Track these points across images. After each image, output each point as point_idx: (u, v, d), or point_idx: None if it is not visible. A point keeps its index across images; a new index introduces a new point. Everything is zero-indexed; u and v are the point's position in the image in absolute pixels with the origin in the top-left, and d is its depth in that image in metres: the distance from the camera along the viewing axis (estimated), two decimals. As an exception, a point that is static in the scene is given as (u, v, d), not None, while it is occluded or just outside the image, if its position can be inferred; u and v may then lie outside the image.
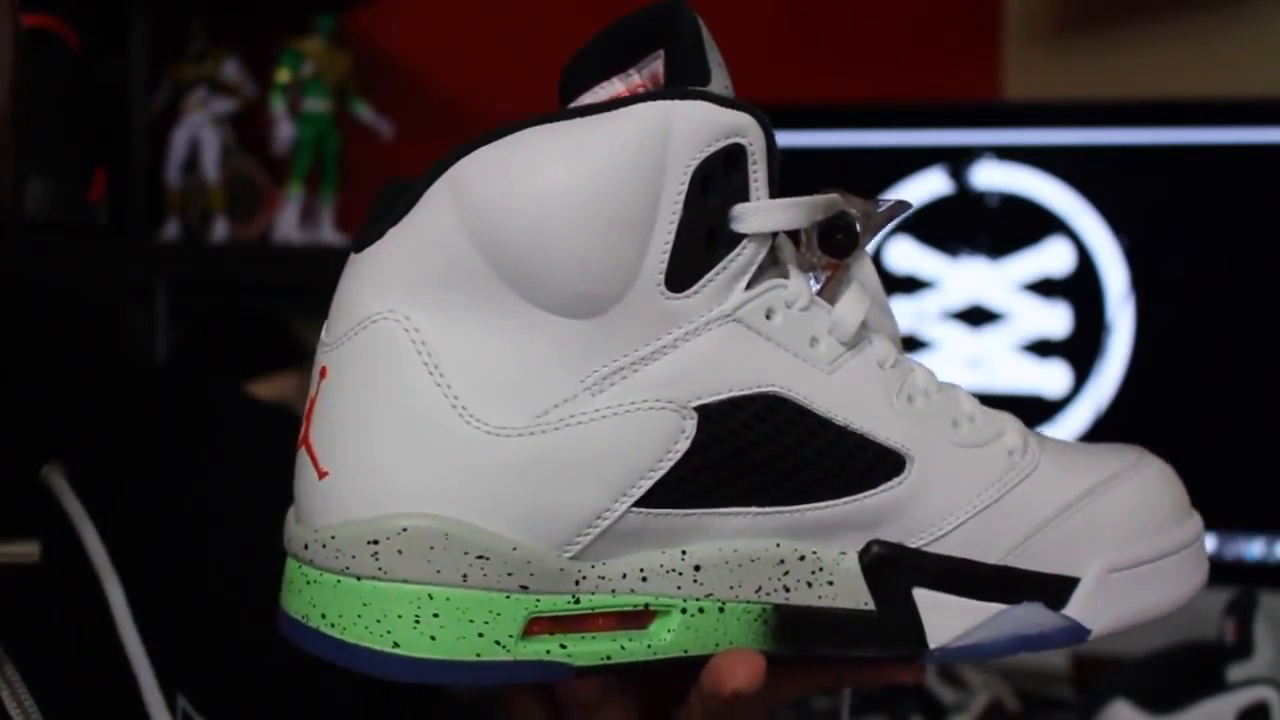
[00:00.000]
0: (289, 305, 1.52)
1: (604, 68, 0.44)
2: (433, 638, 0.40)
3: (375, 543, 0.40)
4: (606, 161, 0.40)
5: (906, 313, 1.46)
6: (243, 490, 0.62)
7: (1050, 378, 1.42)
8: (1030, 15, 1.88)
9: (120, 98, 1.30)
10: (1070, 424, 1.41)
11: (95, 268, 1.28)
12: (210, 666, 0.57)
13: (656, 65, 0.43)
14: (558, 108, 0.44)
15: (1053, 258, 1.41)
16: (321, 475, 0.41)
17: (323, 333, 0.42)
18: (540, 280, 0.40)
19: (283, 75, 1.37)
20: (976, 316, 1.44)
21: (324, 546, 0.41)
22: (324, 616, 0.41)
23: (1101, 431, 1.40)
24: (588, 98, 0.44)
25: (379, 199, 0.42)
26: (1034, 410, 1.42)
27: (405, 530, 0.40)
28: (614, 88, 0.43)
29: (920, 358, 1.52)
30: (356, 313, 0.41)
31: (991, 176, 1.43)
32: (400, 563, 0.40)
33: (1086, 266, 1.40)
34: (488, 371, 0.40)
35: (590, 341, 0.40)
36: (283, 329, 1.48)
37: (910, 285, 1.44)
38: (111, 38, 1.31)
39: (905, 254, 1.43)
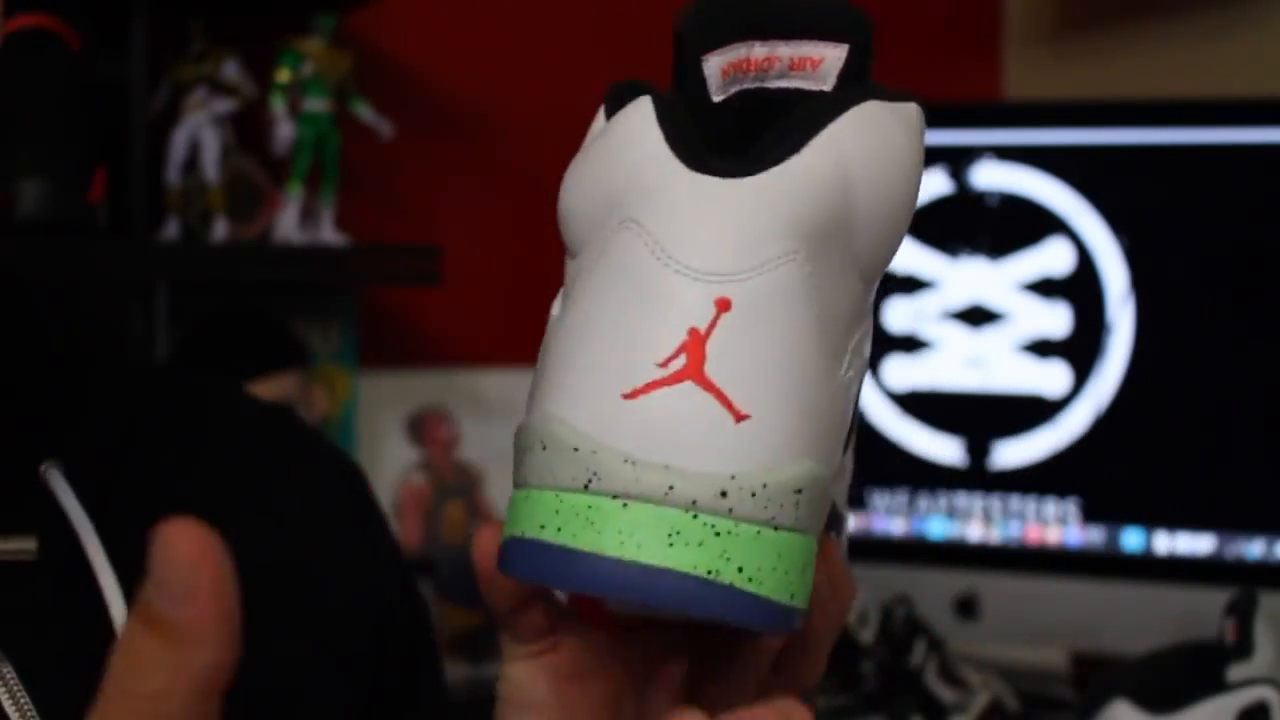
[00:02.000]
0: (289, 305, 1.52)
1: (739, 26, 0.42)
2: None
3: (799, 491, 0.38)
4: (920, 148, 0.42)
5: (906, 313, 1.46)
6: (243, 490, 0.62)
7: (1050, 378, 1.42)
8: (1030, 15, 1.88)
9: (120, 98, 1.30)
10: (1070, 424, 1.41)
11: (95, 268, 1.28)
12: None
13: (809, 49, 0.42)
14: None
15: (1053, 258, 1.42)
16: (740, 418, 0.37)
17: (695, 255, 0.38)
18: (874, 248, 0.40)
19: (283, 75, 1.37)
20: (976, 316, 1.44)
21: (753, 495, 0.37)
22: (740, 570, 0.37)
23: (1101, 431, 1.40)
24: (719, 55, 0.42)
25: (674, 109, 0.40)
26: (1034, 410, 1.42)
27: (818, 478, 0.39)
28: (754, 51, 0.42)
29: (920, 358, 1.52)
30: (765, 246, 0.38)
31: (991, 176, 1.43)
32: (809, 514, 0.39)
33: (1086, 266, 1.40)
34: (842, 328, 0.40)
35: (859, 314, 0.41)
36: (283, 329, 1.48)
37: (910, 285, 1.44)
38: (111, 38, 1.31)
39: (905, 254, 1.43)
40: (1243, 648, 1.10)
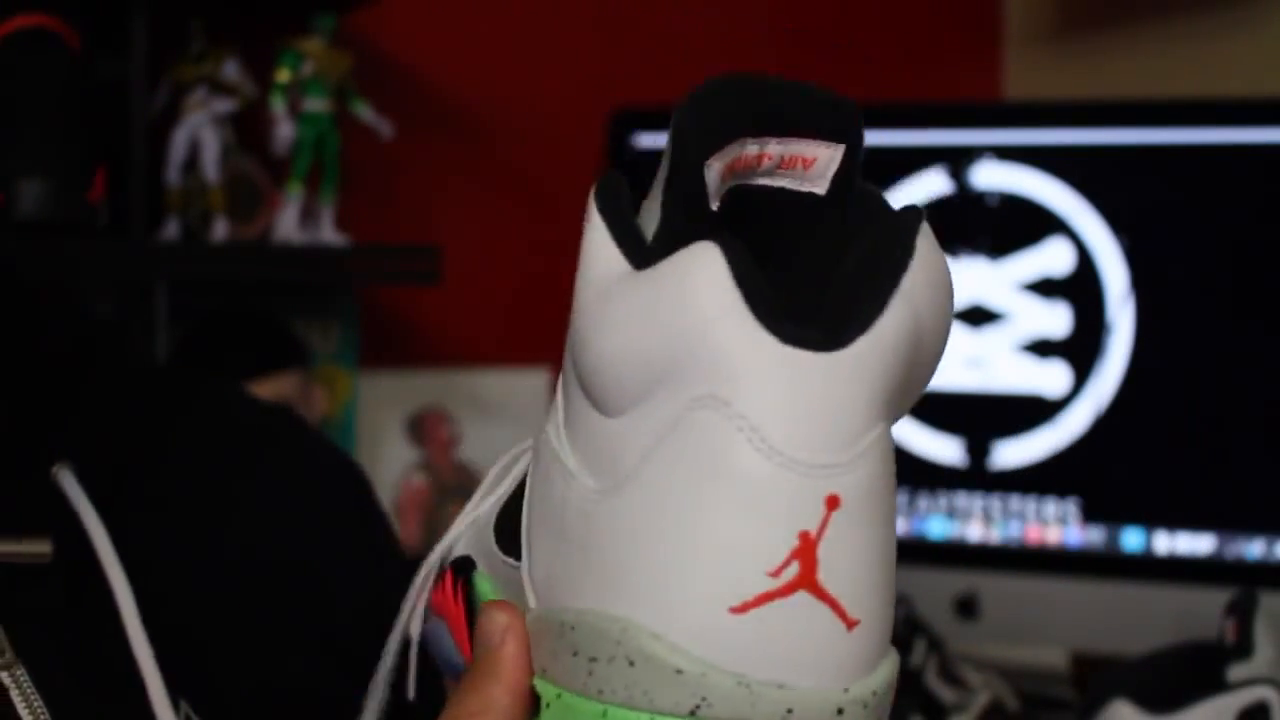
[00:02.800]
0: (289, 305, 1.52)
1: (737, 124, 0.38)
2: None
3: (876, 693, 0.36)
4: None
5: (906, 313, 1.46)
6: (244, 490, 0.62)
7: (1050, 378, 1.42)
8: (1030, 15, 1.88)
9: (120, 98, 1.30)
10: (1070, 424, 1.41)
11: (95, 268, 1.28)
12: (214, 671, 0.58)
13: (801, 148, 0.38)
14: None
15: (1053, 258, 1.41)
16: (851, 625, 0.35)
17: (801, 446, 0.34)
18: (919, 393, 0.38)
19: (283, 75, 1.37)
20: (976, 316, 1.44)
21: (864, 708, 0.35)
22: None
23: (1101, 431, 1.40)
24: (718, 159, 0.38)
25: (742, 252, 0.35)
26: (1034, 410, 1.42)
27: (898, 666, 0.37)
28: (747, 149, 0.38)
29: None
30: (864, 429, 0.35)
31: (991, 176, 1.43)
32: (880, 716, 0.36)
33: (1086, 266, 1.40)
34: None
35: None
36: (283, 329, 1.48)
37: (910, 285, 1.44)
38: (111, 38, 1.31)
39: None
40: (1243, 648, 1.10)
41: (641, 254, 0.36)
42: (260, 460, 0.64)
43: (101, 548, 0.55)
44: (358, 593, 0.63)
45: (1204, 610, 1.24)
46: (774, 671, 0.34)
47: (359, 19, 1.53)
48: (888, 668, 0.36)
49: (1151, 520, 1.39)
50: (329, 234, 1.40)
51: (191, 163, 1.36)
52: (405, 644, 0.50)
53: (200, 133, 1.35)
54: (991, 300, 1.43)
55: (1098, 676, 1.20)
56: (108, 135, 1.30)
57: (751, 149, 0.38)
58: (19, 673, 0.52)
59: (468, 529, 0.48)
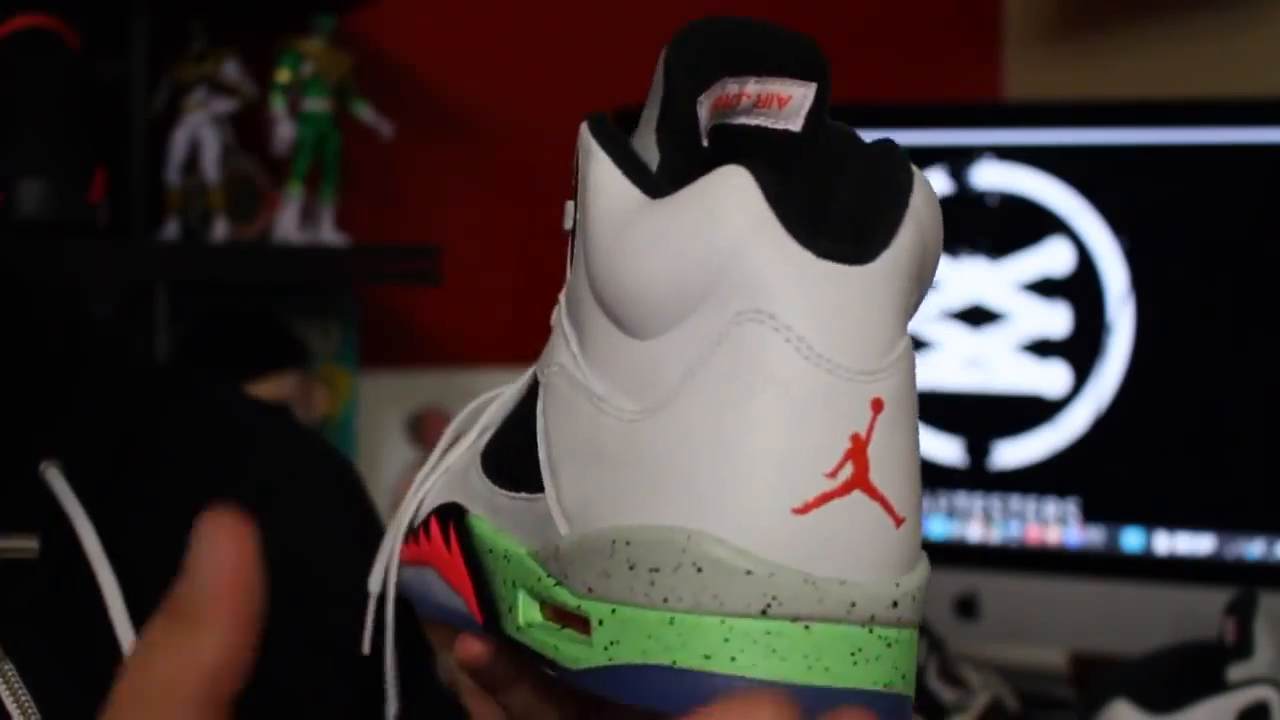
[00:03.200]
0: (289, 305, 1.52)
1: (720, 63, 0.40)
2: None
3: (919, 588, 0.37)
4: None
5: (906, 313, 1.46)
6: (238, 491, 0.62)
7: (1050, 378, 1.42)
8: (1030, 15, 1.88)
9: (120, 98, 1.30)
10: (1070, 424, 1.41)
11: (95, 268, 1.28)
12: None
13: (777, 87, 0.40)
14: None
15: (1053, 258, 1.41)
16: (899, 522, 0.36)
17: (847, 354, 0.36)
18: (916, 312, 0.40)
19: (283, 75, 1.37)
20: (976, 316, 1.44)
21: (913, 600, 0.37)
22: (904, 678, 0.37)
23: (1101, 431, 1.40)
24: (706, 96, 0.41)
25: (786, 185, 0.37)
26: (1034, 410, 1.42)
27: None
28: (728, 88, 0.40)
29: (921, 357, 1.52)
30: (897, 337, 0.37)
31: (991, 176, 1.43)
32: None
33: (1086, 266, 1.40)
34: None
35: None
36: (283, 329, 1.48)
37: (910, 285, 1.44)
38: (111, 38, 1.31)
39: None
40: (1243, 648, 1.10)
41: (653, 184, 0.38)
42: (252, 459, 0.64)
43: (89, 545, 0.55)
44: (350, 592, 0.63)
45: (1204, 610, 1.24)
46: (835, 568, 0.35)
47: (359, 19, 1.53)
48: (925, 565, 0.37)
49: (1151, 520, 1.39)
50: (329, 234, 1.40)
51: (191, 163, 1.36)
52: (381, 603, 0.51)
53: (200, 133, 1.35)
54: (991, 300, 1.43)
55: (1098, 676, 1.20)
56: (108, 135, 1.30)
57: (732, 88, 0.40)
58: (7, 668, 0.52)
59: (434, 482, 0.50)
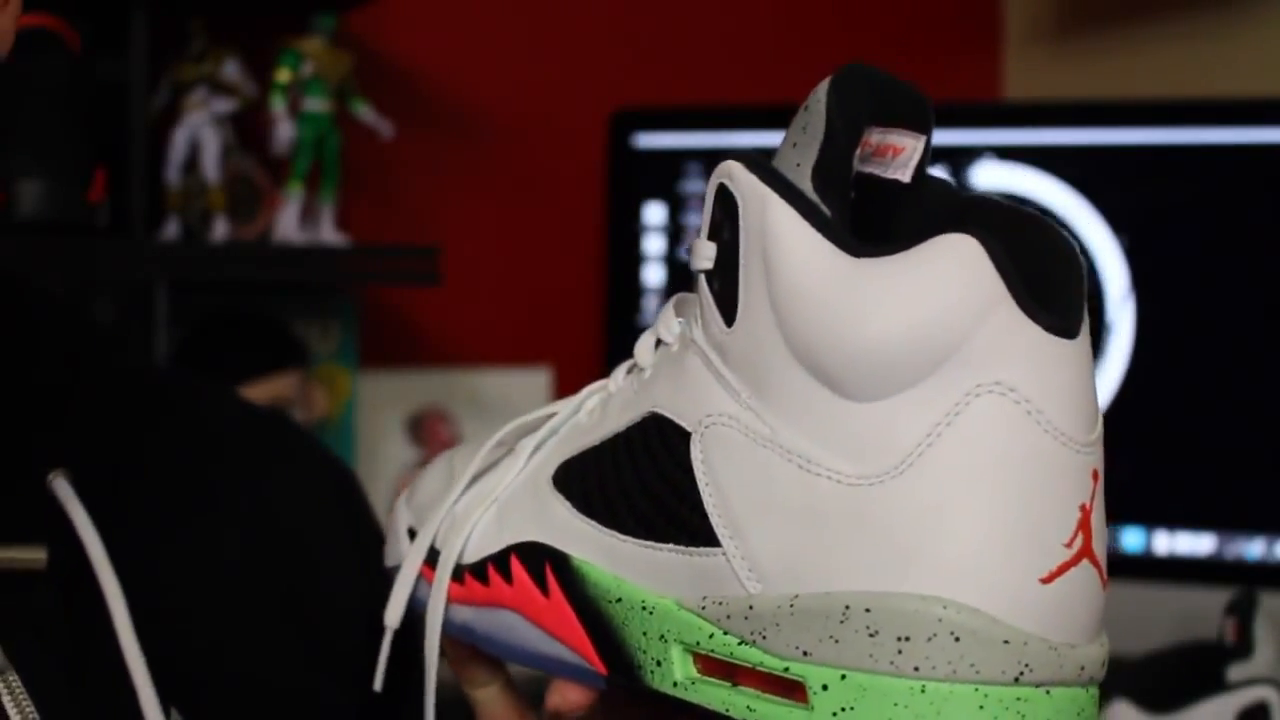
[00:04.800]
0: (289, 305, 1.52)
1: (871, 110, 0.41)
2: None
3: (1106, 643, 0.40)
4: None
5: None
6: (236, 496, 0.62)
7: (1050, 378, 1.42)
8: (1030, 15, 1.88)
9: (120, 98, 1.30)
10: (1070, 424, 1.41)
11: (95, 268, 1.28)
12: (206, 677, 0.57)
13: (895, 138, 0.42)
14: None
15: (1053, 258, 1.41)
16: (1105, 586, 0.39)
17: (1076, 427, 0.38)
18: None
19: (283, 75, 1.37)
20: (976, 316, 1.44)
21: (1103, 660, 0.39)
22: None
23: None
24: (893, 135, 0.42)
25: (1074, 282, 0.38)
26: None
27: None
28: (869, 135, 0.42)
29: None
30: (1098, 409, 0.39)
31: (991, 176, 1.43)
32: None
33: (1087, 266, 1.40)
34: None
35: None
36: (283, 329, 1.48)
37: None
38: (111, 38, 1.31)
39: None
40: (1243, 648, 1.11)
41: (847, 241, 0.38)
42: (253, 466, 0.64)
43: (95, 555, 0.55)
44: (348, 597, 0.63)
45: (1204, 610, 1.24)
46: (1067, 633, 0.37)
47: (359, 19, 1.53)
48: None
49: (1151, 520, 1.39)
50: (329, 234, 1.39)
51: (191, 163, 1.36)
52: (415, 628, 0.51)
53: (200, 133, 1.35)
54: (991, 300, 1.43)
55: (1098, 676, 1.19)
56: (108, 135, 1.30)
57: (872, 138, 0.41)
58: (11, 678, 0.52)
59: (480, 514, 0.48)
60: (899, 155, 0.41)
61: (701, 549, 0.41)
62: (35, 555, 0.54)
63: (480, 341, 1.67)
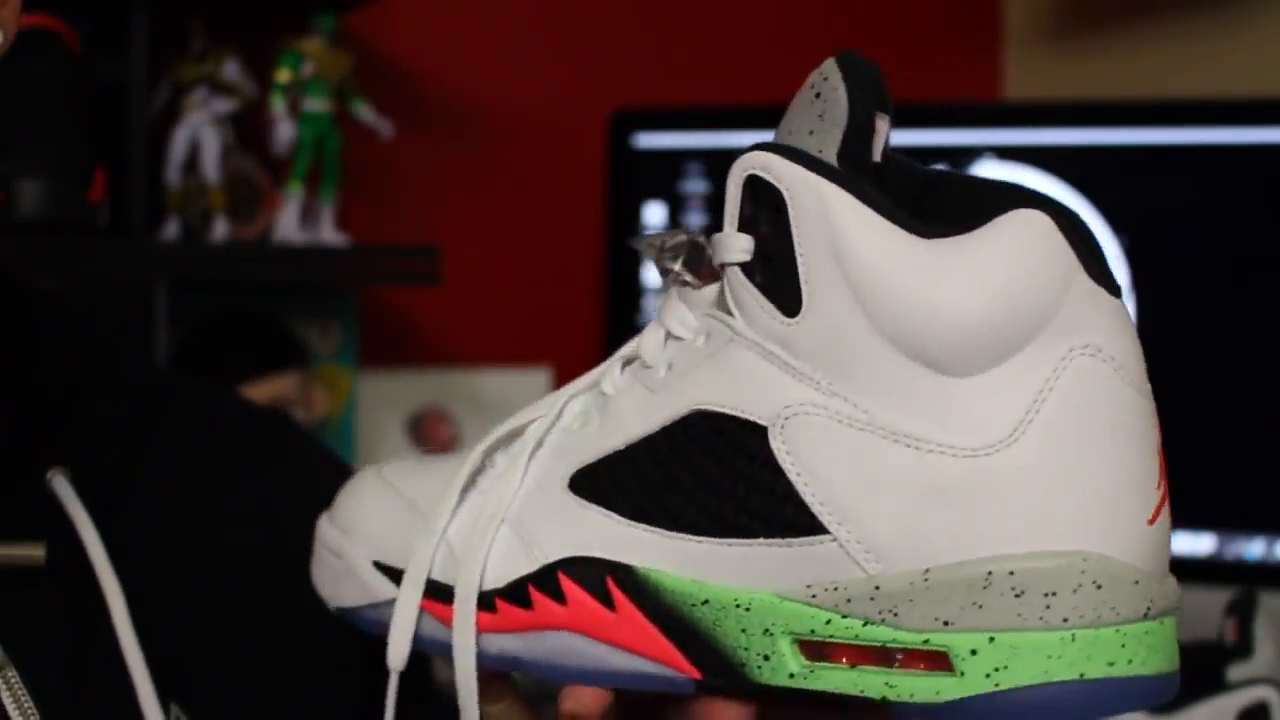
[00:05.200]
0: (289, 305, 1.52)
1: (876, 96, 0.43)
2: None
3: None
4: None
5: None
6: (237, 496, 0.62)
7: (1050, 378, 1.42)
8: (1030, 15, 1.88)
9: (120, 98, 1.30)
10: (1070, 424, 1.41)
11: (95, 268, 1.28)
12: (205, 673, 0.58)
13: (880, 121, 0.44)
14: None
15: (1053, 258, 1.41)
16: (1171, 521, 0.43)
17: (1146, 381, 0.42)
18: None
19: (283, 75, 1.37)
20: (976, 316, 1.44)
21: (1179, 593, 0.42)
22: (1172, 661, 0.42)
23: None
24: (880, 118, 0.44)
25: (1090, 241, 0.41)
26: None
27: None
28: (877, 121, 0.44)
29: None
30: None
31: (991, 176, 1.43)
32: None
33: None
34: None
35: None
36: (283, 329, 1.48)
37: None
38: (111, 38, 1.31)
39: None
40: (1243, 648, 1.11)
41: (911, 222, 0.40)
42: (253, 465, 0.64)
43: (94, 552, 0.55)
44: None
45: (1204, 610, 1.24)
46: (1164, 566, 0.41)
47: (359, 19, 1.53)
48: None
49: (1151, 520, 1.39)
50: (329, 234, 1.40)
51: (191, 163, 1.36)
52: (422, 664, 0.50)
53: (200, 133, 1.35)
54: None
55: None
56: (108, 135, 1.30)
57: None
58: (10, 675, 0.52)
59: (491, 535, 0.45)
60: (878, 136, 0.43)
61: (802, 539, 0.41)
62: (34, 552, 0.54)
63: (480, 341, 1.67)
